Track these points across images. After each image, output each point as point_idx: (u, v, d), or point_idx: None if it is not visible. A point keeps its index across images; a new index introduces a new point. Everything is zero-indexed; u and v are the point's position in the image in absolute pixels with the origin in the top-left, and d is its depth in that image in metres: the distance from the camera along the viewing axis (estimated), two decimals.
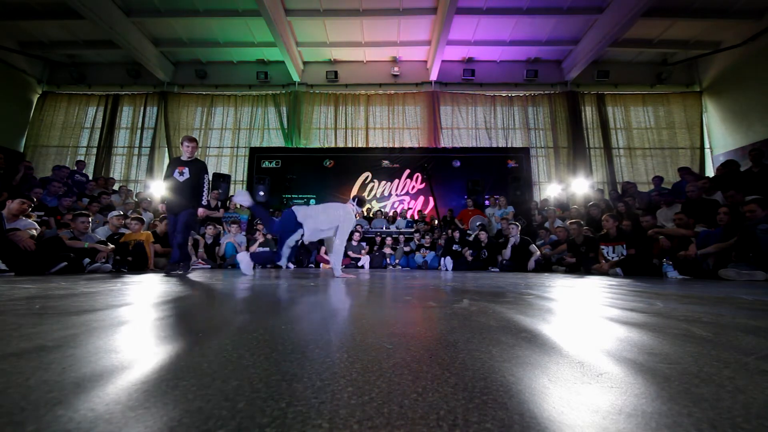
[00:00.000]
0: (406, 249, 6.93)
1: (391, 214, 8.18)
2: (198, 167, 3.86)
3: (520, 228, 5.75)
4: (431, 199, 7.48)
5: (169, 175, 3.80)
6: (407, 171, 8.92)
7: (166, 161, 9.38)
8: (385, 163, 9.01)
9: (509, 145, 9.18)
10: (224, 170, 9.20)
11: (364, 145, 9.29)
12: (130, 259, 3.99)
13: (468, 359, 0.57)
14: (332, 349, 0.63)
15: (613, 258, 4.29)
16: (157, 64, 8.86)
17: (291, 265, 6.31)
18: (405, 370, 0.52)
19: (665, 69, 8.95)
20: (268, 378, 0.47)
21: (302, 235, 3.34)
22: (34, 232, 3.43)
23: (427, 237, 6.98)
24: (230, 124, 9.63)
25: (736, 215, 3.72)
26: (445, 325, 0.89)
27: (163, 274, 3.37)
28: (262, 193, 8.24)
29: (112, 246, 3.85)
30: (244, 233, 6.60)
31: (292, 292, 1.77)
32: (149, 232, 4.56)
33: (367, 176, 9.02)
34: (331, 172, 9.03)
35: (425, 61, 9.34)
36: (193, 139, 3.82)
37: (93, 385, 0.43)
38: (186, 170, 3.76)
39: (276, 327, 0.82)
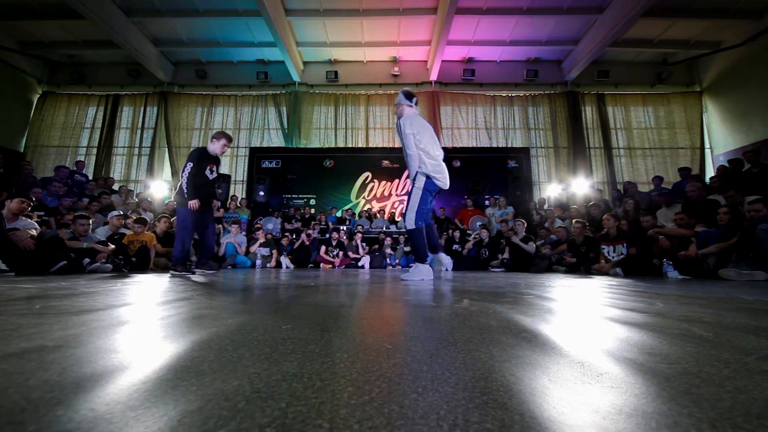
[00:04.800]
0: (407, 249, 6.93)
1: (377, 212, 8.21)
2: (219, 164, 3.68)
3: (525, 225, 5.73)
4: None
5: (201, 171, 3.47)
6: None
7: (167, 161, 9.38)
8: (385, 163, 9.01)
9: (509, 145, 9.19)
10: (224, 170, 9.20)
11: (364, 145, 9.29)
12: (134, 260, 4.00)
13: (468, 359, 0.57)
14: (332, 349, 0.63)
15: (613, 258, 4.29)
16: (157, 64, 8.87)
17: (290, 265, 6.32)
18: (405, 370, 0.52)
19: (665, 69, 8.95)
20: (268, 378, 0.47)
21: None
22: (34, 232, 3.43)
23: None
24: (230, 124, 9.63)
25: (737, 215, 3.72)
26: (445, 325, 0.89)
27: (199, 272, 3.41)
28: (262, 193, 8.24)
29: (113, 246, 3.85)
30: (244, 233, 6.60)
31: (290, 292, 1.77)
32: (152, 234, 4.57)
33: (367, 176, 9.02)
34: (331, 172, 9.03)
35: (425, 61, 9.35)
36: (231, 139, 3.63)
37: (93, 385, 0.43)
38: (215, 168, 3.59)
39: (276, 327, 0.82)
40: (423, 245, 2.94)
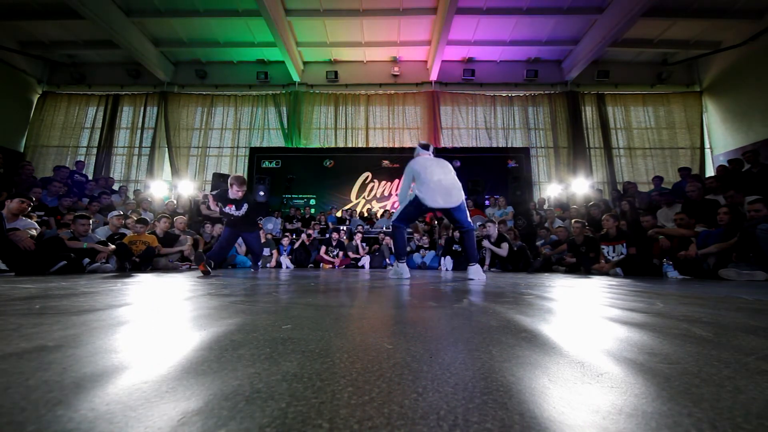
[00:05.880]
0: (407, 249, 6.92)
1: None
2: (247, 202, 3.79)
3: (496, 224, 5.70)
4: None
5: (222, 209, 3.74)
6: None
7: (167, 161, 9.40)
8: (385, 163, 9.01)
9: (509, 145, 9.19)
10: (224, 170, 9.22)
11: (364, 145, 9.29)
12: (137, 260, 4.01)
13: (468, 359, 0.57)
14: (332, 349, 0.63)
15: (613, 258, 4.29)
16: (157, 64, 8.87)
17: (290, 265, 6.32)
18: (405, 370, 0.52)
19: (665, 69, 8.95)
20: (268, 378, 0.47)
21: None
22: (34, 232, 3.43)
23: (426, 237, 6.97)
24: (230, 124, 9.64)
25: (737, 215, 3.72)
26: (445, 325, 0.89)
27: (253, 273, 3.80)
28: (262, 193, 8.24)
29: (113, 246, 3.85)
30: None
31: (290, 292, 1.77)
32: (154, 235, 4.57)
33: (367, 176, 9.02)
34: (331, 172, 9.04)
35: (425, 61, 9.35)
36: (243, 182, 3.67)
37: (93, 385, 0.43)
38: (233, 208, 3.71)
39: (276, 327, 0.82)
40: (399, 245, 3.29)
